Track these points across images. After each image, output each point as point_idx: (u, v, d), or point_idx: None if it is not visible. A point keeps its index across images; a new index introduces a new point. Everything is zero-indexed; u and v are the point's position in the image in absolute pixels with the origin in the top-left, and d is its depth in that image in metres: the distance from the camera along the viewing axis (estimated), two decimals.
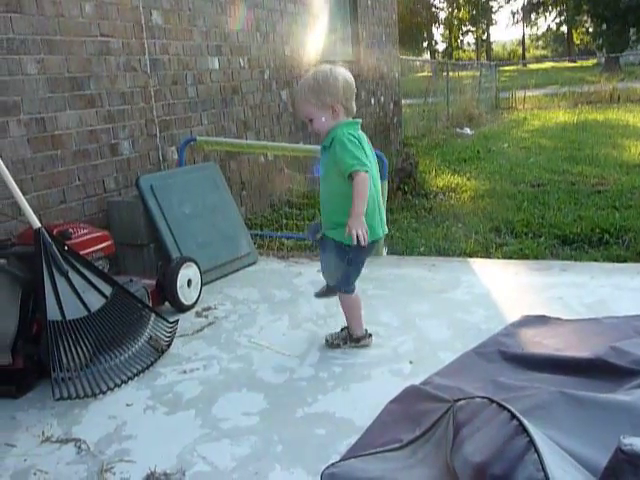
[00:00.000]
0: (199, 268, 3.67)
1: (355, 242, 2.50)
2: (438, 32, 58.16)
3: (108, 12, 4.17)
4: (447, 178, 7.41)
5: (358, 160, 2.55)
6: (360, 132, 2.70)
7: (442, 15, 55.55)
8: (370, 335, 2.95)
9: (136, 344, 2.89)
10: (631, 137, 9.98)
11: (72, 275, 2.73)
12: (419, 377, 2.54)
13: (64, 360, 2.56)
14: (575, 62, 41.15)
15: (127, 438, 2.29)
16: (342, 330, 2.97)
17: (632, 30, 34.74)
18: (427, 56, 52.01)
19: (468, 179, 7.37)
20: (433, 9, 53.42)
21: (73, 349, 2.61)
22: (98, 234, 3.27)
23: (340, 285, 2.85)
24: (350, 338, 2.93)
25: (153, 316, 3.04)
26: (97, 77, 4.09)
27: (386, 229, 2.85)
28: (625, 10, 33.04)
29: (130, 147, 4.39)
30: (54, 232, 2.86)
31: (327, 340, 2.96)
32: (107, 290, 2.85)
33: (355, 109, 2.71)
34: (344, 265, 2.75)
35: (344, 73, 2.67)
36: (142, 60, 4.49)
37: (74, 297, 2.71)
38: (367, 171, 2.55)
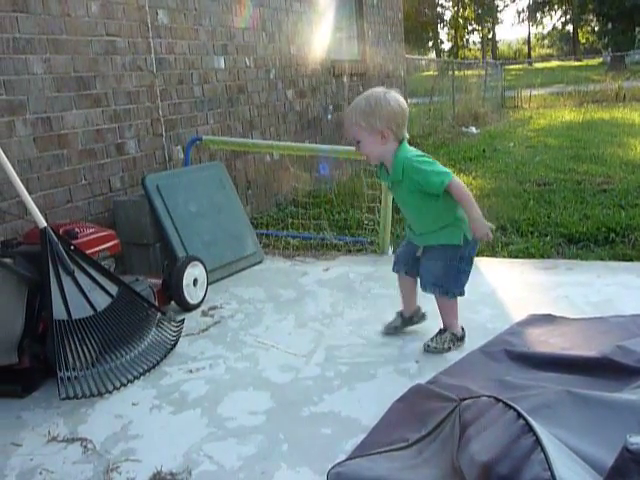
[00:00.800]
0: (205, 267, 3.68)
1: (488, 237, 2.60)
2: (444, 31, 58.14)
3: (114, 12, 4.19)
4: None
5: (443, 173, 2.59)
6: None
7: (448, 14, 55.56)
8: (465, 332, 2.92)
9: (142, 343, 2.89)
10: (637, 136, 9.93)
11: (78, 274, 2.73)
12: (425, 376, 2.53)
13: (70, 359, 2.57)
14: (581, 61, 41.04)
15: (133, 437, 2.29)
16: (441, 333, 2.86)
17: (638, 29, 34.62)
18: (433, 55, 51.94)
19: (474, 178, 7.36)
20: (439, 8, 53.43)
21: (79, 348, 2.61)
22: (104, 233, 3.27)
23: (453, 287, 2.76)
24: (455, 338, 2.84)
25: (159, 315, 3.04)
26: (103, 76, 4.10)
27: None
28: (631, 9, 32.95)
29: (136, 146, 4.40)
30: (60, 231, 2.86)
31: (435, 347, 2.81)
32: (113, 289, 2.86)
33: (407, 136, 2.69)
34: (456, 264, 2.73)
35: (397, 99, 2.64)
36: (148, 59, 4.50)
37: (80, 296, 2.71)
38: (452, 176, 2.59)
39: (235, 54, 5.59)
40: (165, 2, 4.67)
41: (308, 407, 2.42)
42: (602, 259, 4.12)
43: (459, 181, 2.61)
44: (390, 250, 4.46)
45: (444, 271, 2.73)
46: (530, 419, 1.66)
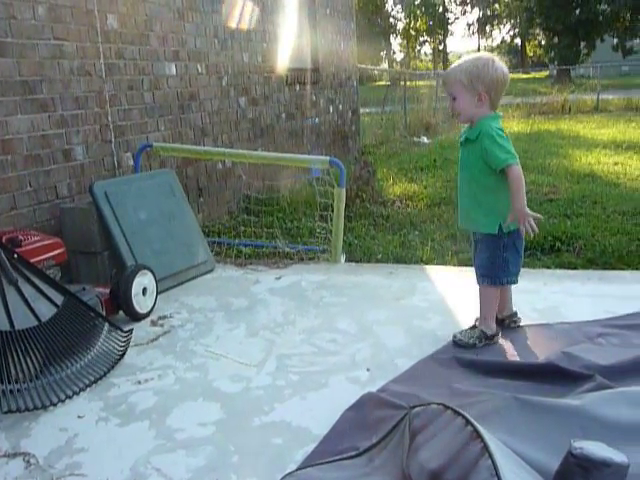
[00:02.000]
0: (154, 276, 3.62)
1: (531, 232, 2.63)
2: (396, 42, 58.90)
3: (62, 15, 4.10)
4: (404, 186, 7.49)
5: (511, 154, 2.63)
6: None
7: (400, 25, 56.34)
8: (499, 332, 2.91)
9: (89, 354, 2.82)
10: (581, 147, 10.24)
11: (22, 284, 2.66)
12: (376, 384, 2.54)
13: (13, 371, 2.49)
14: (528, 73, 42.12)
15: (78, 451, 2.23)
16: (473, 328, 2.89)
17: (582, 44, 35.75)
18: (385, 65, 52.54)
19: (425, 187, 7.46)
20: (391, 19, 54.14)
21: (22, 360, 2.54)
22: (49, 241, 3.19)
23: (501, 275, 2.80)
24: (485, 336, 2.84)
25: (106, 325, 2.97)
26: (50, 81, 4.00)
27: None
28: (575, 24, 34.03)
29: (84, 152, 4.31)
30: (3, 239, 2.79)
31: (460, 340, 2.84)
32: (58, 299, 2.79)
33: (499, 105, 2.80)
34: (500, 253, 2.77)
35: (503, 68, 2.73)
36: (97, 64, 4.42)
37: (24, 306, 2.64)
38: (519, 164, 2.63)
39: (187, 60, 5.54)
40: (115, 7, 4.60)
41: (259, 417, 2.40)
42: (548, 267, 4.22)
43: (520, 169, 2.66)
44: (342, 258, 4.48)
45: (491, 261, 2.79)
46: (478, 426, 1.68)
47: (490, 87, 2.70)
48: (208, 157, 5.64)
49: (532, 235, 2.69)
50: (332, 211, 4.45)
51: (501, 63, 2.75)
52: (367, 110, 14.98)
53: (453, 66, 2.79)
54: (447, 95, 2.83)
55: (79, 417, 2.47)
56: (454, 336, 2.89)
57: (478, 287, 2.90)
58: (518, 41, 54.39)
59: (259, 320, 3.39)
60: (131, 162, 4.74)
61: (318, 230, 4.95)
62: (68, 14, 4.15)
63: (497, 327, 2.90)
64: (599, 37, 35.23)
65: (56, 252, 3.16)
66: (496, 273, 2.81)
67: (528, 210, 2.64)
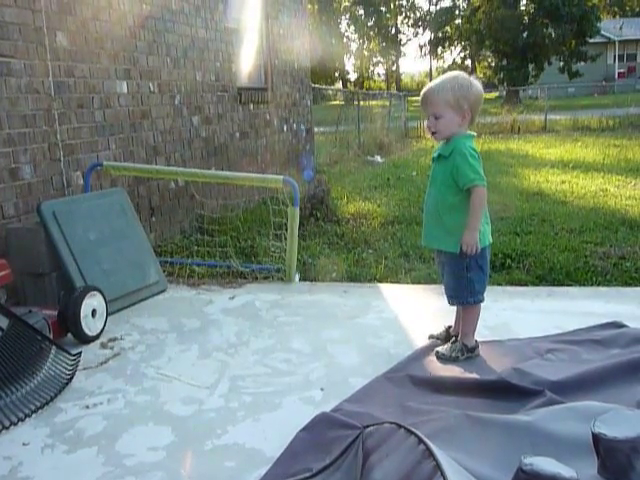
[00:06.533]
0: (104, 297, 3.54)
1: (471, 251, 2.67)
2: (350, 62, 59.60)
3: (9, 32, 4.01)
4: (358, 205, 7.53)
5: (479, 176, 2.68)
6: None
7: (354, 46, 57.09)
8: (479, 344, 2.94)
9: (35, 378, 2.74)
10: (530, 166, 10.49)
11: None
12: (330, 404, 2.53)
13: None
14: None
15: None
16: (454, 342, 2.91)
17: (531, 66, 36.79)
18: (339, 85, 53.07)
19: (378, 206, 7.52)
20: (345, 40, 54.80)
21: None
22: None
23: (467, 296, 2.83)
24: (466, 349, 2.87)
25: (54, 349, 2.89)
26: None
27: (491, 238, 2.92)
28: (523, 47, 35.02)
29: (32, 171, 4.21)
30: None
31: (443, 355, 2.87)
32: (3, 322, 2.70)
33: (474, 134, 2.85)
34: (465, 274, 2.79)
35: (479, 85, 2.78)
36: (45, 82, 4.34)
37: None
38: (485, 186, 2.68)
39: (138, 79, 5.49)
40: (65, 24, 4.53)
41: (211, 440, 2.36)
42: (499, 284, 4.29)
43: (485, 192, 2.71)
44: (297, 277, 4.47)
45: (457, 282, 2.83)
46: (430, 444, 1.69)
47: (473, 105, 2.76)
48: (160, 176, 5.58)
49: (473, 254, 2.72)
50: (286, 230, 4.44)
51: (476, 80, 2.81)
52: (322, 129, 15.08)
53: (435, 86, 2.78)
54: (427, 114, 2.81)
55: (24, 444, 2.39)
56: (436, 352, 2.92)
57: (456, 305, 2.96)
58: (469, 62, 55.65)
59: (212, 341, 3.35)
60: (81, 181, 4.65)
61: (272, 249, 4.93)
62: (16, 31, 4.06)
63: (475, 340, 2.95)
64: (546, 60, 36.32)
65: (1, 273, 3.07)
66: (462, 294, 2.85)
67: (477, 234, 2.70)
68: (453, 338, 2.97)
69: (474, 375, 2.72)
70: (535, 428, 2.00)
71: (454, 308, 3.02)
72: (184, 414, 2.57)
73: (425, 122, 2.92)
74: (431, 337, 3.13)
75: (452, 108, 2.73)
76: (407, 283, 4.42)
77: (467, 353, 2.89)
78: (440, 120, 2.75)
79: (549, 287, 4.12)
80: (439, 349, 2.93)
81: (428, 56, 61.26)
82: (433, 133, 2.81)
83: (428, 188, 2.92)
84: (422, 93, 2.83)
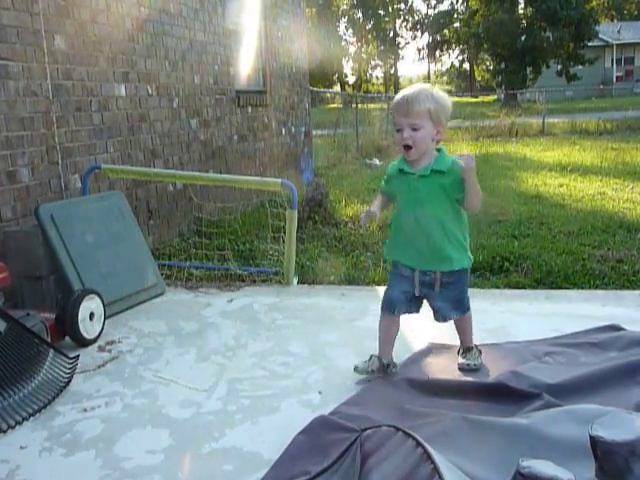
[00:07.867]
0: (102, 300, 3.54)
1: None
2: (348, 65, 59.67)
3: (7, 35, 4.02)
4: (356, 208, 7.53)
5: None
6: None
7: (352, 49, 57.18)
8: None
9: (32, 382, 2.74)
10: (528, 170, 10.50)
11: None
12: (328, 407, 2.53)
13: None
14: (477, 97, 43.13)
15: None
16: (469, 350, 2.87)
17: (529, 69, 36.87)
18: (337, 88, 53.11)
19: None
20: (343, 43, 54.91)
21: None
22: None
23: (467, 302, 2.81)
24: (480, 352, 2.88)
25: (51, 352, 2.89)
26: None
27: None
28: (521, 50, 35.13)
29: (30, 174, 4.21)
30: None
31: (475, 365, 2.81)
32: (0, 325, 2.70)
33: None
34: (467, 285, 2.81)
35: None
36: (44, 85, 4.34)
37: None
38: None
39: (137, 82, 5.49)
40: (63, 27, 4.53)
41: (209, 443, 2.35)
42: (497, 287, 4.29)
43: None
44: (295, 280, 4.46)
45: (462, 294, 2.79)
46: (428, 447, 1.69)
47: (447, 119, 2.62)
48: (158, 179, 5.58)
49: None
50: (285, 233, 4.44)
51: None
52: (320, 132, 15.09)
53: (414, 94, 2.54)
54: (402, 125, 2.55)
55: (21, 448, 2.39)
56: (466, 364, 2.82)
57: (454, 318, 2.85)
58: (467, 66, 55.77)
59: (210, 344, 3.35)
60: (79, 184, 4.65)
61: (270, 252, 4.93)
62: (14, 34, 4.07)
63: None
64: (544, 63, 36.41)
65: None
66: (465, 303, 2.82)
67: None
68: (463, 348, 2.90)
69: (472, 378, 2.72)
70: (533, 431, 2.00)
71: None
72: (182, 417, 2.57)
73: (396, 135, 2.63)
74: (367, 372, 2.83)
75: (431, 120, 2.52)
76: None
77: (480, 355, 2.90)
78: (419, 132, 2.52)
79: (547, 290, 4.12)
80: (467, 362, 2.83)
81: (426, 59, 61.45)
82: (408, 148, 2.56)
83: (414, 209, 2.64)
84: (398, 101, 2.59)
